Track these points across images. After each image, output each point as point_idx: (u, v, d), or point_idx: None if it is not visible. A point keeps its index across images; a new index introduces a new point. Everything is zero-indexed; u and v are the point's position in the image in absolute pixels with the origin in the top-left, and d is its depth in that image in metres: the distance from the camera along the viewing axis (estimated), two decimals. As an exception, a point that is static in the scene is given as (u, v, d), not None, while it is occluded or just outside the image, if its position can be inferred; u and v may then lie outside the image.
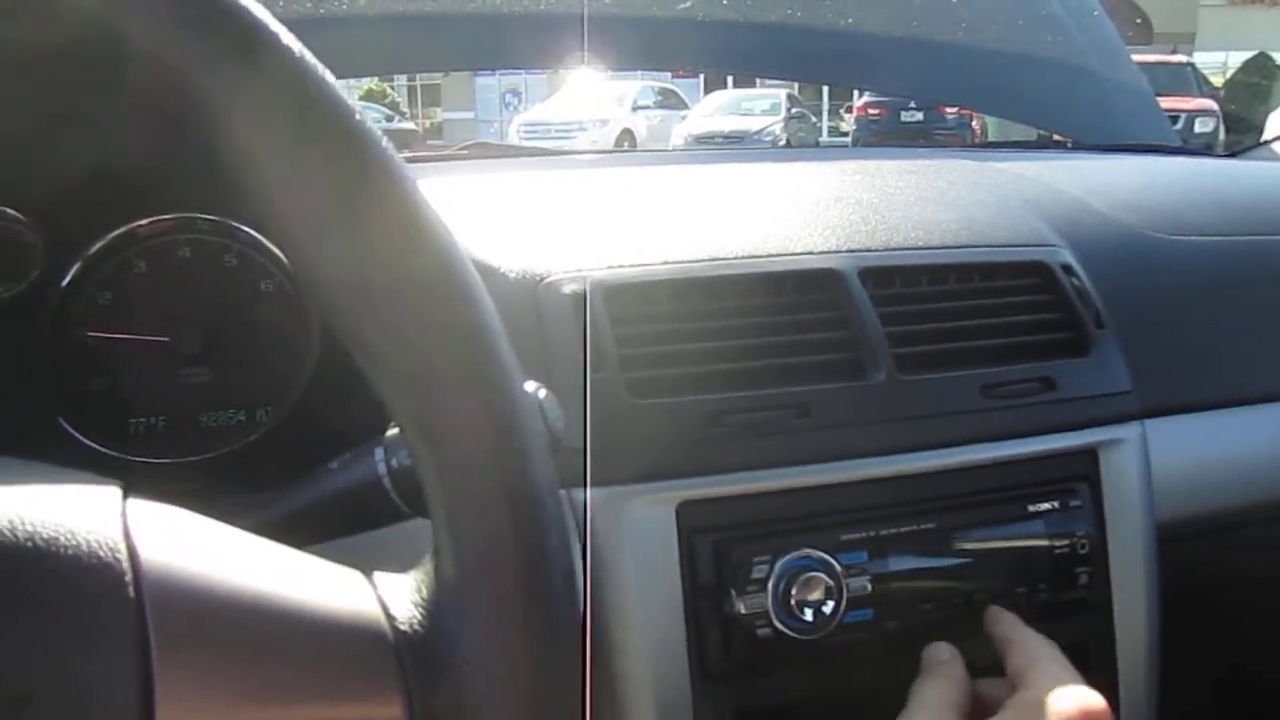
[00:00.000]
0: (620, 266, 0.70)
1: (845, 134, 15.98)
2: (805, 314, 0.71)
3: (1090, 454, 0.75)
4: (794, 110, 14.77)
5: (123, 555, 0.33)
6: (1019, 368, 0.74)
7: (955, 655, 0.64)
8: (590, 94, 13.83)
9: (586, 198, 0.89)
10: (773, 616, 0.63)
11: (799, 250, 0.74)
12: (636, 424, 0.65)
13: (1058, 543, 0.71)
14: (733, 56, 1.36)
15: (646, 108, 14.87)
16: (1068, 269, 0.80)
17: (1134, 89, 1.50)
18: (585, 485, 0.36)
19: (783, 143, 13.67)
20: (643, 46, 1.21)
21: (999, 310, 0.76)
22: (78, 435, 0.74)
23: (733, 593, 0.64)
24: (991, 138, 11.47)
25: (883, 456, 0.68)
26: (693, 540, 0.64)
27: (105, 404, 0.75)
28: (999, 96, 1.36)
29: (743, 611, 0.63)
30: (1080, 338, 0.77)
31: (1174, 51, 16.29)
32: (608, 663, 0.63)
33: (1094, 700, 0.55)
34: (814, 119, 16.35)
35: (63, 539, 0.32)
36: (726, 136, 13.28)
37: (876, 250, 0.76)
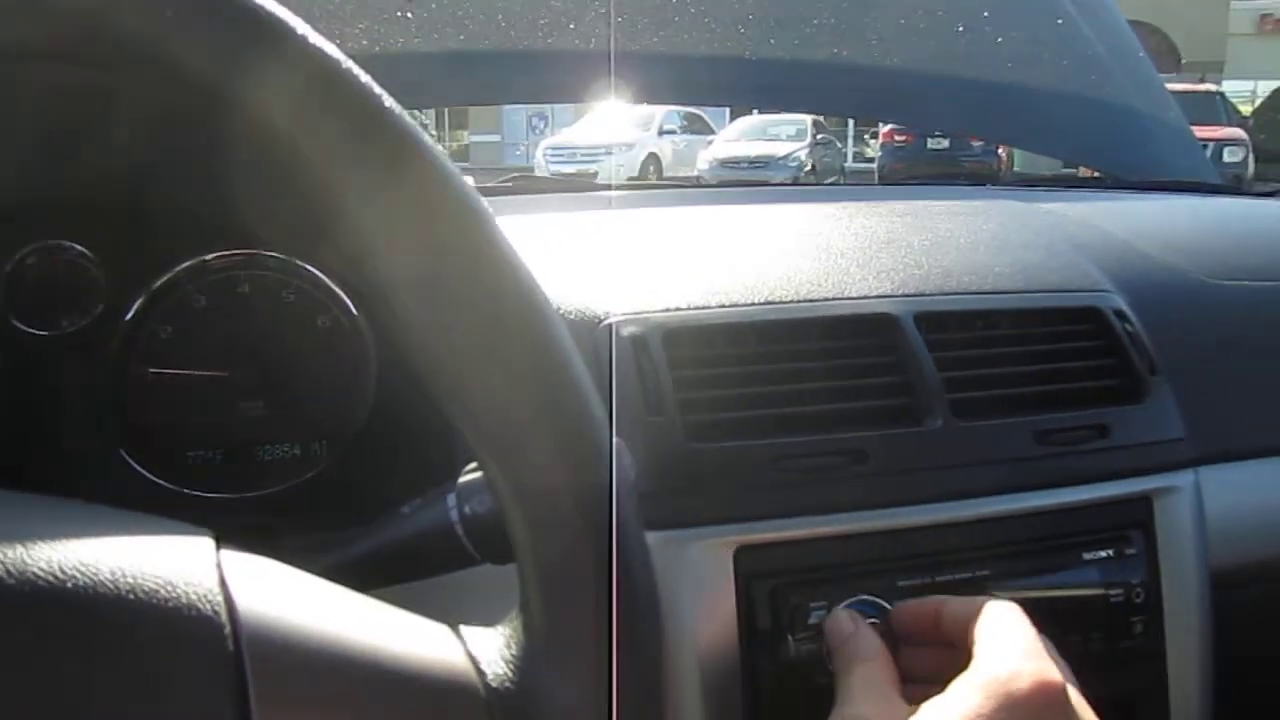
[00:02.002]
0: (677, 309, 0.71)
1: (870, 160, 16.00)
2: (861, 358, 0.72)
3: (1144, 501, 0.75)
4: (819, 136, 14.80)
5: (221, 608, 0.33)
6: (1073, 415, 0.74)
7: (859, 623, 0.58)
8: (616, 118, 13.91)
9: (637, 236, 0.90)
10: (829, 663, 0.63)
11: (854, 294, 0.75)
12: (694, 468, 0.65)
13: (1113, 591, 0.71)
14: (768, 92, 1.37)
15: (672, 132, 14.94)
16: (1120, 314, 0.80)
17: (1175, 127, 1.50)
18: (611, 529, 0.36)
19: (808, 168, 13.70)
20: (671, 82, 1.22)
21: (1052, 356, 0.76)
22: (138, 467, 0.75)
23: (789, 638, 0.64)
24: (1017, 167, 11.41)
25: (939, 503, 0.68)
26: (750, 585, 0.64)
27: (164, 437, 0.76)
28: (1041, 134, 1.36)
29: (799, 657, 0.64)
30: (1134, 384, 0.77)
31: (1202, 80, 16.24)
32: (662, 707, 0.63)
33: (1049, 674, 0.49)
34: (839, 145, 16.38)
35: (163, 592, 0.33)
36: (752, 162, 13.31)
37: (930, 295, 0.76)
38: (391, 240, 0.36)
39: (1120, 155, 1.39)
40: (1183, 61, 20.05)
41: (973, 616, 0.54)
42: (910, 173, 12.42)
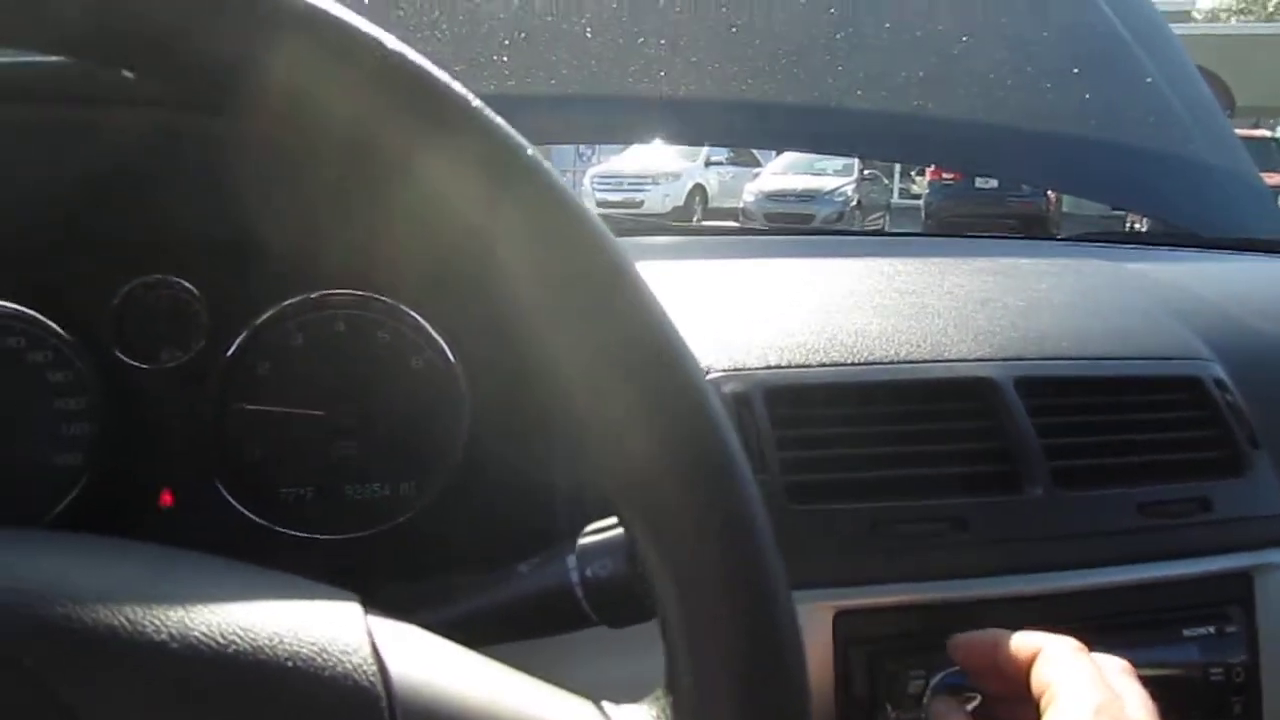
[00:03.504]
0: (777, 366, 0.71)
1: (917, 196, 15.92)
2: (961, 422, 0.71)
3: (1244, 577, 0.73)
4: (866, 171, 14.75)
5: (376, 678, 0.33)
6: (1175, 487, 0.73)
7: (953, 707, 0.59)
8: (663, 149, 13.95)
9: (726, 288, 0.90)
10: None
11: (952, 356, 0.74)
12: (796, 529, 0.65)
13: (1213, 670, 0.70)
14: (860, 141, 1.38)
15: (719, 164, 14.95)
16: (1220, 384, 0.79)
17: (1254, 187, 1.49)
18: (769, 604, 0.36)
19: (854, 203, 13.66)
20: (761, 128, 1.23)
21: (1152, 426, 0.75)
22: (233, 502, 0.76)
23: (887, 707, 0.63)
24: (1065, 209, 11.25)
25: (1039, 574, 0.68)
26: (848, 650, 0.64)
27: (257, 473, 0.77)
28: (1125, 189, 1.36)
29: (896, 726, 0.63)
30: (1235, 456, 0.76)
31: (1257, 125, 16.06)
32: None
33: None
34: (885, 181, 16.31)
35: (319, 659, 0.33)
36: (798, 195, 13.30)
37: (1029, 359, 0.75)
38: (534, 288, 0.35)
39: (1200, 212, 1.38)
40: (1237, 106, 19.83)
41: (1033, 655, 0.54)
42: (958, 211, 12.36)
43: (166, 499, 0.76)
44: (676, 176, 14.12)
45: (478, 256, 0.35)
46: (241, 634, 0.33)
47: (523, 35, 1.01)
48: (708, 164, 14.72)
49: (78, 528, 0.75)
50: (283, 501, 0.77)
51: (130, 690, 0.31)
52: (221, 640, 0.32)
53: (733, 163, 15.14)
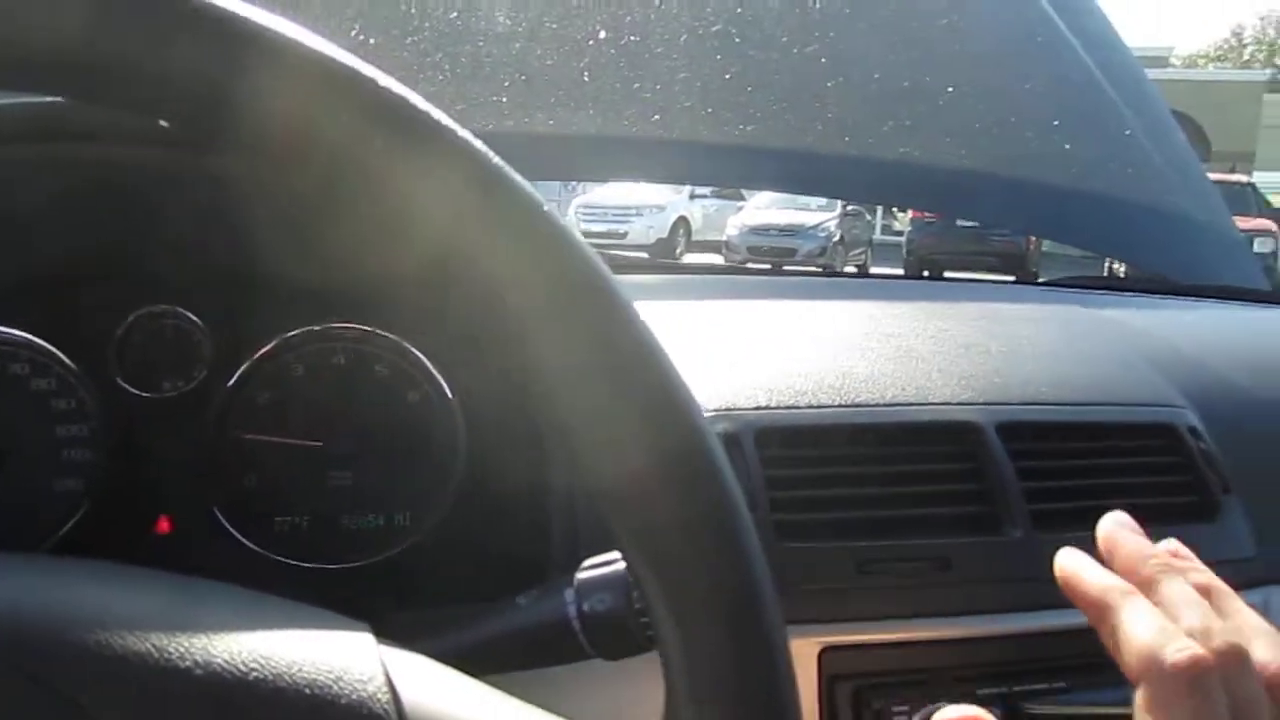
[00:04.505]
0: (767, 407, 0.73)
1: (899, 233, 16.03)
2: (944, 464, 0.73)
3: (1217, 620, 0.75)
4: (849, 207, 14.85)
5: (390, 708, 0.35)
6: (1150, 531, 0.75)
7: None
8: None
9: (712, 328, 0.92)
10: None
11: (937, 400, 0.76)
12: (783, 566, 0.67)
13: (1186, 709, 0.72)
14: (828, 182, 1.41)
15: (703, 197, 15.04)
16: (1194, 431, 0.81)
17: (1230, 237, 1.53)
18: (768, 641, 0.38)
19: (837, 239, 13.76)
20: (754, 171, 1.25)
21: (1128, 470, 0.78)
22: (231, 529, 0.77)
23: (871, 742, 0.65)
24: (1045, 248, 11.36)
25: (1020, 613, 0.70)
26: (833, 686, 0.65)
27: (256, 501, 0.78)
28: (1102, 237, 1.39)
29: (879, 761, 0.64)
30: (1207, 502, 0.78)
31: (1233, 170, 16.31)
32: None
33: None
34: (869, 216, 16.43)
35: (335, 689, 0.34)
36: (781, 230, 13.39)
37: (1011, 404, 0.78)
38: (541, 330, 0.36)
39: (1178, 261, 1.41)
40: (1213, 150, 20.13)
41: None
42: (939, 249, 12.47)
43: (164, 526, 0.78)
44: (661, 209, 14.19)
45: (475, 288, 0.37)
46: (262, 662, 0.34)
47: (523, 77, 1.04)
48: (692, 197, 14.79)
49: (77, 553, 0.76)
50: (279, 530, 0.78)
51: (158, 715, 0.33)
52: (243, 668, 0.34)
53: (717, 196, 15.21)
